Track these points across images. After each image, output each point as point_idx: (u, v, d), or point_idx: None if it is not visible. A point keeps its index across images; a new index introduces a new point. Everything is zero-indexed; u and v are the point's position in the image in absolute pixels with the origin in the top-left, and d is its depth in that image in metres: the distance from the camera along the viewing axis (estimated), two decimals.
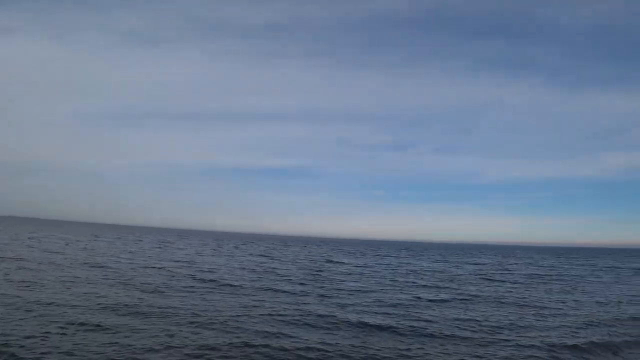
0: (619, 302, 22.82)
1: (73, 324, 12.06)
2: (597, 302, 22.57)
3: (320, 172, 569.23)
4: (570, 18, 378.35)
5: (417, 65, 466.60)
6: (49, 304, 14.42)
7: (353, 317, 15.23)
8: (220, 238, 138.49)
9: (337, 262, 47.39)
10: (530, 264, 62.06)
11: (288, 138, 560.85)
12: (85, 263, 27.61)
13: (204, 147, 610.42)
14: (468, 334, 13.84)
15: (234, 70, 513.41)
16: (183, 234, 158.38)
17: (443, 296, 22.29)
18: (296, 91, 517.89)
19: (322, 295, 20.35)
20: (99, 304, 15.00)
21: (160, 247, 54.74)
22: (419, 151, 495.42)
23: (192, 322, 13.15)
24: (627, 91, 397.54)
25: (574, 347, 12.55)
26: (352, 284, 25.92)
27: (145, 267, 27.59)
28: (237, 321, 13.68)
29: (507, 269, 47.48)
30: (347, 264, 45.27)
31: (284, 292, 20.81)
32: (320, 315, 15.38)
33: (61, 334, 11.09)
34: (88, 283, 19.55)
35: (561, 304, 21.11)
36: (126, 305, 15.06)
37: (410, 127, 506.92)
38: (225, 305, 16.22)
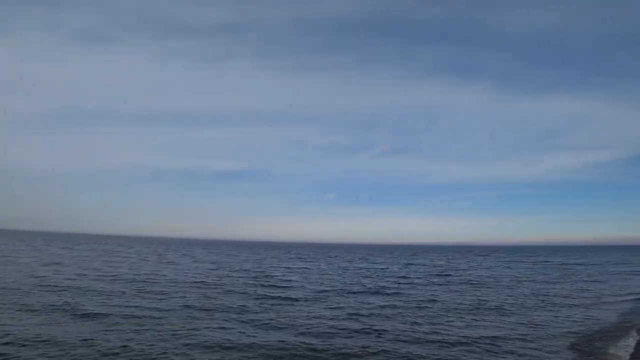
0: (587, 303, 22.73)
1: None
2: (565, 304, 22.51)
3: (272, 175, 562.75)
4: (516, 26, 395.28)
5: (369, 68, 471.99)
6: None
7: (301, 340, 13.88)
8: (168, 245, 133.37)
9: (287, 267, 46.08)
10: (481, 264, 63.23)
11: (239, 140, 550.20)
12: None
13: (152, 150, 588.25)
14: (419, 350, 12.92)
15: (184, 71, 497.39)
16: (129, 242, 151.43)
17: (395, 302, 21.48)
18: (247, 93, 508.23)
19: (267, 309, 19.00)
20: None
21: (101, 257, 51.25)
22: (371, 153, 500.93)
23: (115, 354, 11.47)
24: (569, 95, 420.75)
25: None
26: (300, 292, 24.70)
27: (71, 279, 25.13)
28: (175, 350, 12.11)
29: (461, 270, 47.85)
30: (297, 268, 44.06)
31: (227, 306, 19.18)
32: (265, 336, 14.09)
33: None
34: None
35: (519, 307, 20.79)
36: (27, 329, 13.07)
37: (362, 129, 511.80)
38: (161, 329, 14.53)
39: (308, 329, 14.75)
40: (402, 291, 25.98)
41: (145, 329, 13.87)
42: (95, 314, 15.89)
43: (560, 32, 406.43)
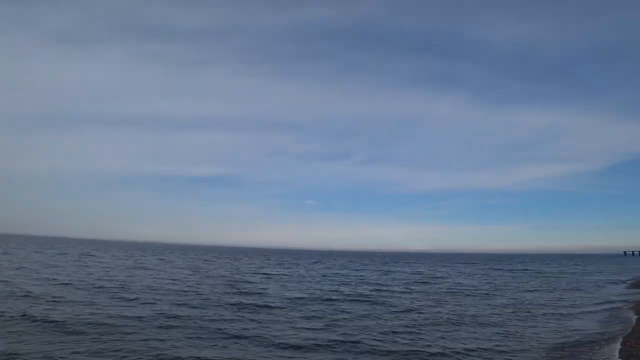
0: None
1: None
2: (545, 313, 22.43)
3: (251, 181, 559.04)
4: (494, 38, 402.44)
5: (349, 77, 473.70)
6: None
7: (275, 353, 13.27)
8: (145, 249, 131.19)
9: (265, 273, 45.50)
10: (459, 272, 63.58)
11: (217, 146, 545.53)
12: None
13: (129, 154, 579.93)
14: None
15: (163, 75, 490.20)
16: (105, 246, 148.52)
17: (373, 311, 21.18)
18: (226, 98, 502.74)
19: (242, 317, 18.44)
20: None
21: (75, 261, 49.78)
22: (351, 161, 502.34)
23: None
24: (545, 107, 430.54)
25: None
26: (277, 299, 24.19)
27: (40, 285, 24.12)
28: None
29: (440, 277, 47.96)
30: (276, 274, 43.57)
31: (201, 315, 18.54)
32: (238, 348, 13.59)
33: None
34: None
35: (496, 317, 20.64)
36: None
37: (342, 137, 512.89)
38: (131, 339, 13.89)
39: (283, 340, 14.27)
40: (380, 299, 25.69)
41: (114, 340, 13.21)
42: (62, 322, 15.10)
43: (538, 45, 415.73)
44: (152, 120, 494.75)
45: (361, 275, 47.92)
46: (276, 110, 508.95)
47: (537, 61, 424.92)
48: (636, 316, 20.17)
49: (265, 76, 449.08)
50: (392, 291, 30.89)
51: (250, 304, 21.78)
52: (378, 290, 31.42)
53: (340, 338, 14.74)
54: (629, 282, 44.09)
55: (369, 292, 29.26)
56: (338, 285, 34.63)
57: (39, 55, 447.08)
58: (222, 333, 14.92)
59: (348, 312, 20.29)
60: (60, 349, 11.87)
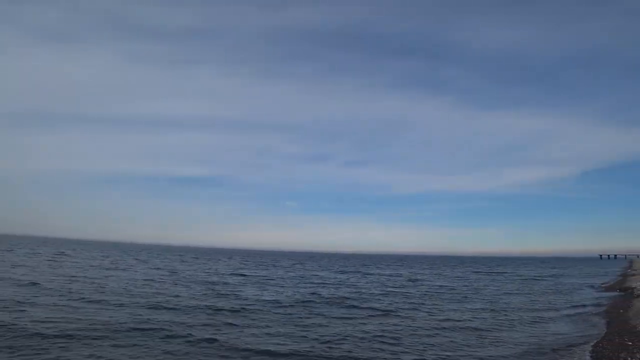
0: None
1: None
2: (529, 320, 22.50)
3: (234, 182, 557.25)
4: (481, 43, 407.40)
5: (335, 79, 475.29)
6: None
7: None
8: (123, 249, 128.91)
9: (244, 275, 45.02)
10: (440, 274, 63.94)
11: (201, 146, 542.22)
12: None
13: (114, 154, 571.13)
14: None
15: (149, 74, 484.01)
16: (82, 246, 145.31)
17: (351, 314, 20.96)
18: (211, 99, 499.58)
19: (216, 322, 17.97)
20: None
21: (49, 262, 48.33)
22: (334, 163, 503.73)
23: None
24: (530, 111, 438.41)
25: None
26: (253, 303, 23.75)
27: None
28: None
29: (420, 280, 48.09)
30: (255, 276, 43.06)
31: (174, 320, 17.99)
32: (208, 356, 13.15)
33: None
34: None
35: (474, 321, 20.60)
36: None
37: (326, 139, 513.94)
38: (93, 343, 13.35)
39: (257, 346, 13.86)
40: (358, 302, 25.45)
41: (81, 346, 12.58)
42: (27, 328, 14.29)
43: (525, 50, 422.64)
44: (137, 120, 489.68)
45: (340, 278, 47.72)
46: (262, 111, 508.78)
47: (522, 66, 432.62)
48: (608, 319, 20.40)
49: (252, 77, 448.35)
50: (371, 294, 30.73)
51: (226, 307, 21.32)
52: (356, 292, 31.20)
53: (316, 343, 14.44)
54: (603, 285, 44.78)
55: (347, 295, 29.02)
56: (316, 287, 34.33)
57: (24, 53, 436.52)
58: (194, 338, 14.45)
59: (325, 316, 20.02)
60: (23, 358, 11.31)
